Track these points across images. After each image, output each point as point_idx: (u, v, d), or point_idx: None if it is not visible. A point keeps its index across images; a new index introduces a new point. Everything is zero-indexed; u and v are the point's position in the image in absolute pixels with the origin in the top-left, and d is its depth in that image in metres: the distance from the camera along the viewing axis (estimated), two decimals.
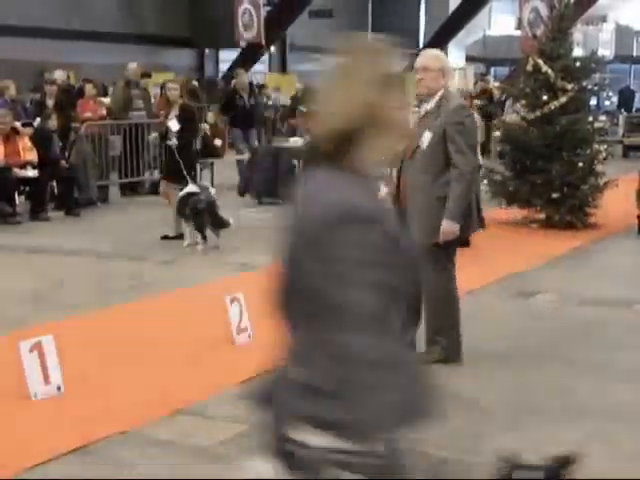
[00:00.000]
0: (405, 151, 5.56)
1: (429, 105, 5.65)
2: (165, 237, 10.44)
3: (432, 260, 5.59)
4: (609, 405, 5.18)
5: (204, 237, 9.86)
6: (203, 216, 9.74)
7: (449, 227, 5.56)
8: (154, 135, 11.64)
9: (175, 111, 10.42)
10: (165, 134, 10.63)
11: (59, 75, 16.60)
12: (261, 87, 23.19)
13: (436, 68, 5.58)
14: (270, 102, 21.85)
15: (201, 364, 5.92)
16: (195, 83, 20.02)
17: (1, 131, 11.83)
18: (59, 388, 5.24)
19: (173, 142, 10.34)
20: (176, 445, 4.66)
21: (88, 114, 14.51)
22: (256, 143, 16.12)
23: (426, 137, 5.56)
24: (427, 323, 5.78)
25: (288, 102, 22.37)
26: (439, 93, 5.61)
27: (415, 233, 5.24)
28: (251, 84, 20.06)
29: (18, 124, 12.72)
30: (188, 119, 10.47)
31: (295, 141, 14.81)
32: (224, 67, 30.30)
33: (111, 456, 4.53)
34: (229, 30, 24.45)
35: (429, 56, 5.73)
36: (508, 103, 20.17)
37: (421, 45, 37.30)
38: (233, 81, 19.43)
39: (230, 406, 5.15)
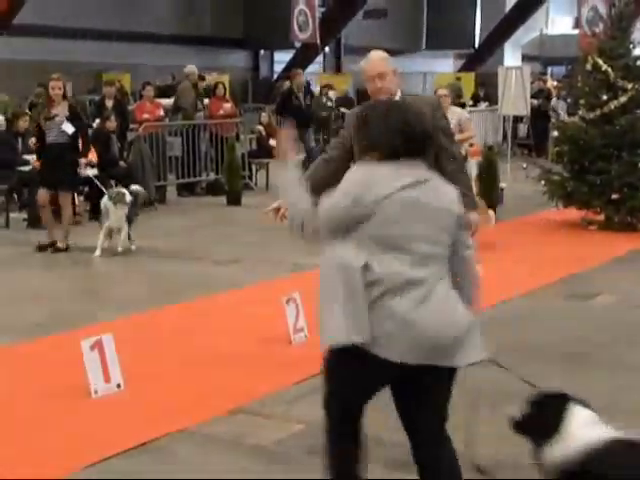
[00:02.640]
0: None
1: None
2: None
3: None
4: None
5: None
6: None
7: (474, 217, 5.09)
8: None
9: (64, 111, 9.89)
10: None
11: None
12: (324, 87, 23.23)
13: (390, 70, 5.10)
14: (329, 103, 21.89)
15: (258, 363, 5.95)
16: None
17: None
18: (119, 385, 5.32)
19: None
20: (233, 443, 4.69)
21: (146, 115, 14.69)
22: (312, 144, 16.15)
23: None
24: None
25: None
26: (397, 96, 5.09)
27: None
28: (308, 84, 20.14)
29: None
30: (78, 118, 10.11)
31: None
32: (279, 68, 30.43)
33: (169, 453, 4.57)
34: (284, 31, 24.52)
35: (379, 60, 5.12)
36: (554, 101, 19.96)
37: (477, 45, 37.06)
38: (287, 82, 19.53)
39: (287, 405, 5.18)
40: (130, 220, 9.87)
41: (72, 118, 9.83)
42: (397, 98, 5.07)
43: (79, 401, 5.18)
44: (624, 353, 6.17)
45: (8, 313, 7.33)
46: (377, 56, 5.16)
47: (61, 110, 9.74)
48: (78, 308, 7.45)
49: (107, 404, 5.13)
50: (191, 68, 15.46)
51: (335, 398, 3.48)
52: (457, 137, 10.37)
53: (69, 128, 9.75)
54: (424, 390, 3.33)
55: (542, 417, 3.30)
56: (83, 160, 10.57)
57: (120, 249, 9.74)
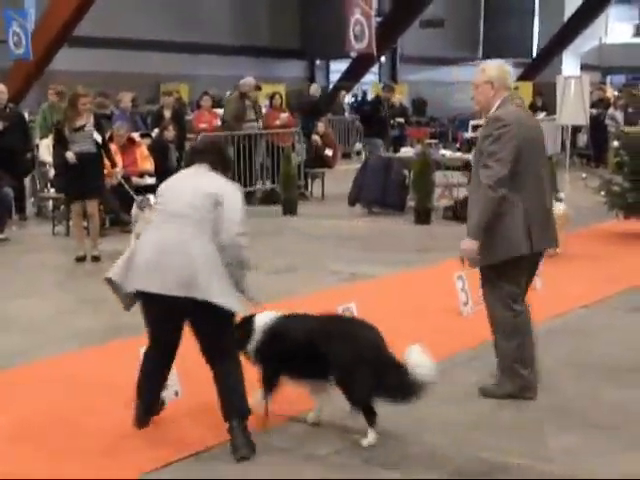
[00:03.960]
0: None
1: (482, 121, 5.55)
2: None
3: (483, 280, 5.47)
4: None
5: None
6: None
7: (465, 244, 5.26)
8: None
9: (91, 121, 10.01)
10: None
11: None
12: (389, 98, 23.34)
13: (482, 82, 5.32)
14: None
15: None
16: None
17: (117, 142, 12.20)
18: (177, 393, 5.36)
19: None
20: (291, 453, 4.70)
21: (203, 125, 14.84)
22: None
23: (472, 154, 5.46)
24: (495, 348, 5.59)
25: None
26: (493, 107, 5.31)
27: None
28: (364, 94, 20.21)
29: (136, 135, 13.10)
30: (101, 128, 10.20)
31: (406, 151, 14.77)
32: (335, 77, 30.52)
33: (225, 462, 4.60)
34: (339, 41, 24.58)
35: (476, 71, 5.41)
36: (611, 111, 19.66)
37: (534, 54, 36.72)
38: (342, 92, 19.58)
39: (344, 415, 5.17)
40: None
41: (97, 128, 10.02)
42: (494, 110, 5.30)
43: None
44: None
45: (75, 319, 7.45)
46: (479, 66, 5.46)
47: (87, 121, 9.93)
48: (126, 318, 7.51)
49: (165, 411, 5.17)
50: (245, 80, 15.50)
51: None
52: None
53: (99, 137, 9.97)
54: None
55: (241, 330, 4.93)
56: (117, 169, 10.84)
57: None
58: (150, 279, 4.68)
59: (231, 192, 4.84)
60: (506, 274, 5.32)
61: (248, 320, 5.01)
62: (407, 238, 11.64)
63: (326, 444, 4.78)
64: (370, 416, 4.75)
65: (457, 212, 12.67)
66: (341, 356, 4.73)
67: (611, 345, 6.56)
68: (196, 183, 4.88)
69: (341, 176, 15.77)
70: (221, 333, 4.75)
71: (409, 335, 6.81)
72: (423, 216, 12.68)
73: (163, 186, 5.05)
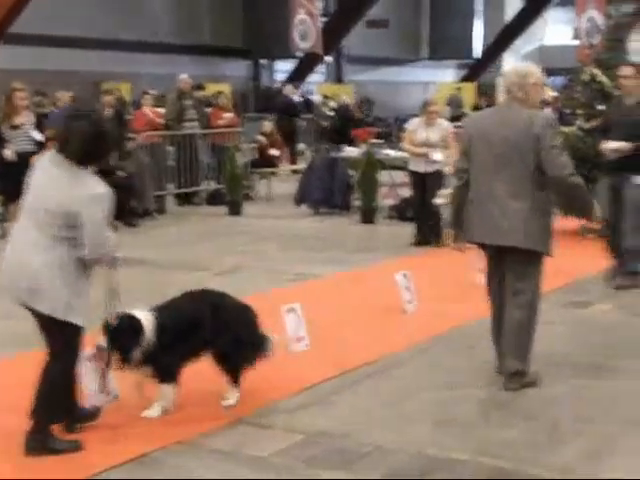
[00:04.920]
0: None
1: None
2: None
3: (530, 265, 5.69)
4: None
5: None
6: None
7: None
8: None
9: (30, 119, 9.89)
10: None
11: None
12: (326, 98, 23.37)
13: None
14: (329, 112, 21.99)
15: (257, 374, 5.93)
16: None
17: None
18: (116, 397, 5.30)
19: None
20: (233, 455, 4.68)
21: (145, 125, 14.70)
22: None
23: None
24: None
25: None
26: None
27: None
28: (309, 94, 20.25)
29: None
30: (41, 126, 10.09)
31: (351, 151, 14.83)
32: (280, 77, 30.48)
33: (168, 465, 4.56)
34: (284, 40, 24.60)
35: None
36: (548, 112, 19.97)
37: (475, 55, 37.12)
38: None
39: (287, 415, 5.18)
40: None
41: (37, 127, 9.88)
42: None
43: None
44: (622, 361, 6.16)
45: None
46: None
47: (26, 119, 9.78)
48: None
49: (105, 416, 5.10)
50: (181, 78, 15.37)
51: None
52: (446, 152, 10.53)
53: (37, 135, 9.79)
54: None
55: (124, 336, 4.91)
56: None
57: None
58: (9, 286, 4.65)
59: (86, 205, 4.45)
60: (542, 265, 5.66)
61: (129, 325, 4.95)
62: (352, 237, 11.67)
63: (267, 445, 4.77)
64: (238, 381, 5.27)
65: (402, 211, 12.77)
66: (219, 332, 5.17)
67: (551, 340, 6.65)
68: (47, 190, 4.52)
69: (288, 177, 15.77)
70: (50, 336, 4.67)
71: (354, 333, 6.86)
72: (368, 216, 12.74)
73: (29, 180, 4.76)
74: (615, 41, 11.46)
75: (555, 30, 39.46)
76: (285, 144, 17.71)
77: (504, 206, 5.43)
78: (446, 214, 10.27)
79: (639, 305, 7.80)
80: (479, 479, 4.34)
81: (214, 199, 14.91)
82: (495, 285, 5.71)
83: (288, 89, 20.29)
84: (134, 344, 4.92)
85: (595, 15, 23.85)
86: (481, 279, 8.00)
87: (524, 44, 37.85)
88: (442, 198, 10.08)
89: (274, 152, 16.08)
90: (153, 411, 5.13)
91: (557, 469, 4.40)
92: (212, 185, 15.37)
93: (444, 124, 11.05)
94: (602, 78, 11.12)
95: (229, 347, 5.20)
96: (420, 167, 10.71)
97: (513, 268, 5.57)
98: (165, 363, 5.07)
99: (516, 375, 5.52)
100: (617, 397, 5.46)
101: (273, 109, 18.31)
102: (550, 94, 23.47)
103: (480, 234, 5.59)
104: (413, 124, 10.92)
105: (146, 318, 5.03)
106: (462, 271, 8.47)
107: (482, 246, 5.72)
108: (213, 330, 5.19)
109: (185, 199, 15.04)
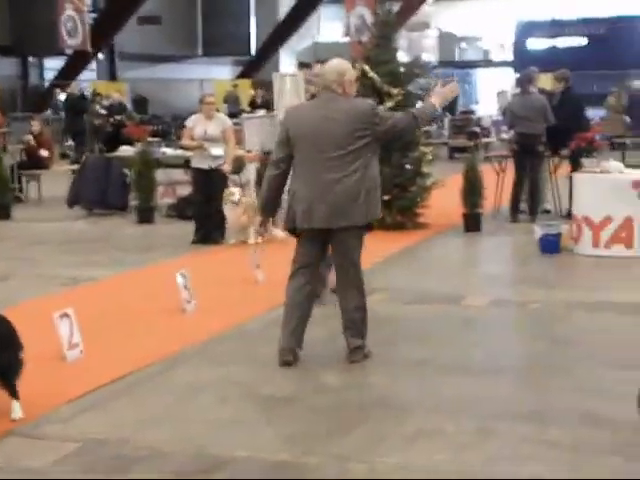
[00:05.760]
0: None
1: None
2: None
3: (357, 239, 5.96)
4: (434, 401, 5.29)
5: None
6: None
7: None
8: None
9: None
10: None
11: None
12: (96, 95, 22.70)
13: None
14: (102, 110, 21.42)
15: (29, 382, 5.66)
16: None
17: None
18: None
19: None
20: (4, 470, 4.45)
21: None
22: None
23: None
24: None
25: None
26: None
27: None
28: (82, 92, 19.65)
29: None
30: None
31: (126, 150, 14.52)
32: (50, 75, 29.41)
33: None
34: (53, 37, 23.70)
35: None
36: None
37: (253, 52, 37.48)
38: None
39: (62, 425, 4.99)
40: None
41: None
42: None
43: None
44: (399, 349, 6.37)
45: None
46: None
47: None
48: None
49: None
50: None
51: None
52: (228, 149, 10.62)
53: None
54: None
55: None
56: None
57: None
58: None
59: None
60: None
61: None
62: (130, 238, 11.45)
63: (42, 456, 4.57)
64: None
65: (181, 210, 12.65)
66: None
67: (325, 329, 6.77)
68: None
69: (59, 177, 15.23)
70: None
71: (132, 336, 6.71)
72: (146, 215, 12.53)
73: None
74: (382, 38, 11.88)
75: (328, 27, 40.52)
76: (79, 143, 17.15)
77: (332, 190, 5.70)
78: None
79: (413, 292, 8.11)
80: (260, 476, 4.34)
81: None
82: (310, 268, 5.93)
83: (73, 86, 19.63)
84: None
85: (365, 13, 24.66)
86: (261, 276, 8.15)
87: (300, 40, 38.58)
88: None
89: (43, 153, 15.47)
90: None
91: (334, 456, 4.48)
92: None
93: (223, 118, 11.12)
94: (372, 74, 11.49)
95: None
96: (204, 163, 10.66)
97: (343, 245, 5.86)
98: None
99: (358, 349, 5.97)
100: (392, 386, 5.63)
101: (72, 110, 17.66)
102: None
103: (309, 219, 5.76)
104: (192, 120, 10.90)
105: None
106: (242, 269, 8.52)
107: (306, 232, 5.87)
108: None
109: None
